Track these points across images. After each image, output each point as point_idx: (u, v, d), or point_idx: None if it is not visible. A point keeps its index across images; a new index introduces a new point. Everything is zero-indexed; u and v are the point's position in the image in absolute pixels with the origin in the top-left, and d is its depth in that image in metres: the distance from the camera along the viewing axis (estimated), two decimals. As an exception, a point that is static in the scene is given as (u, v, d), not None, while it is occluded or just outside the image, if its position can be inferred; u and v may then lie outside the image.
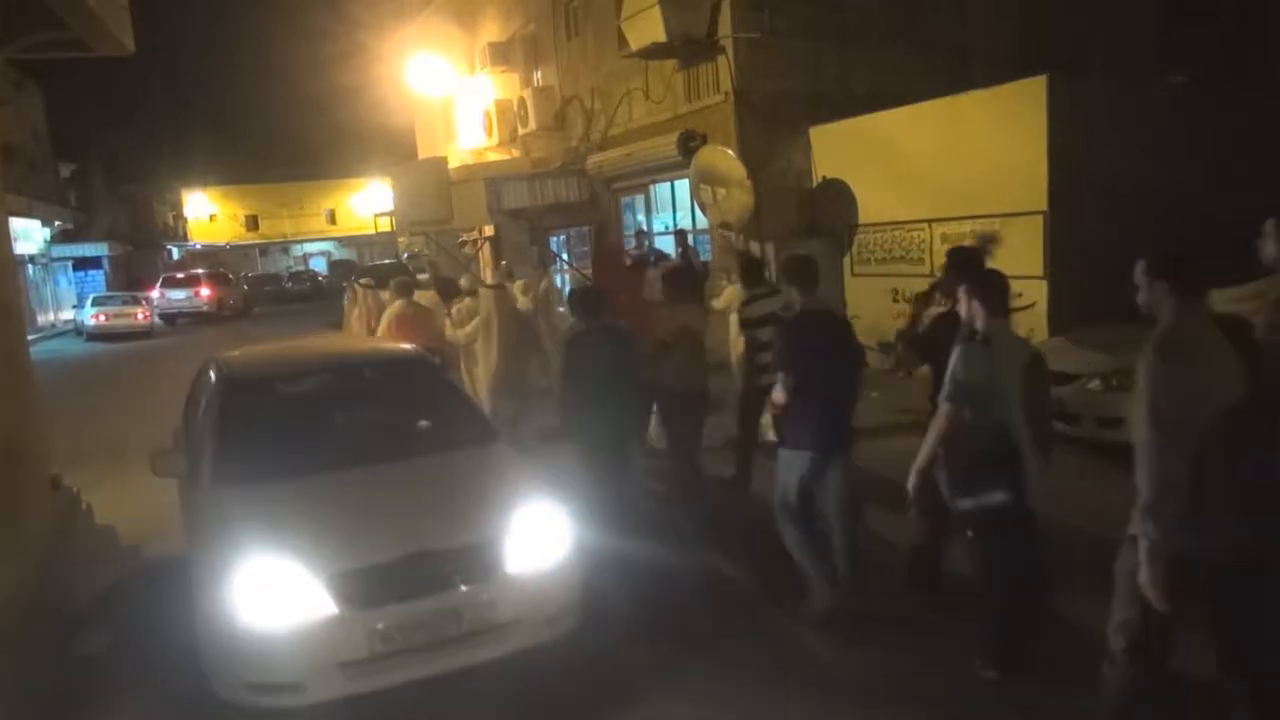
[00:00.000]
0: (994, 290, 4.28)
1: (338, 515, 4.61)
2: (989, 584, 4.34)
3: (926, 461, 4.35)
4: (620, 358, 5.97)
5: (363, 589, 4.20)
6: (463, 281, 9.45)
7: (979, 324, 4.21)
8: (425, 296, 9.82)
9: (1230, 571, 3.15)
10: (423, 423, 5.87)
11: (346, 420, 5.97)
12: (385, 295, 10.65)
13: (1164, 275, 3.26)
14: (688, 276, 7.30)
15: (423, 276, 15.59)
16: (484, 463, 5.29)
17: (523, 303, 9.99)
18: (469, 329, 8.72)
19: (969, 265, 4.86)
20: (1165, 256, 3.29)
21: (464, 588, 4.34)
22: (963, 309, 4.34)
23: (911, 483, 4.41)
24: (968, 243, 7.50)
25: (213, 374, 6.05)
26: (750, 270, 7.44)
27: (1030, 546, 4.20)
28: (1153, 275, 3.28)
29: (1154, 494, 3.08)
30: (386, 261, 30.42)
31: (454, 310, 9.12)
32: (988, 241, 6.42)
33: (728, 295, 8.80)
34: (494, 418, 7.22)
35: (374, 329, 10.11)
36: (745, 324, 7.21)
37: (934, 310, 5.35)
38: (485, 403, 8.17)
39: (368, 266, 30.01)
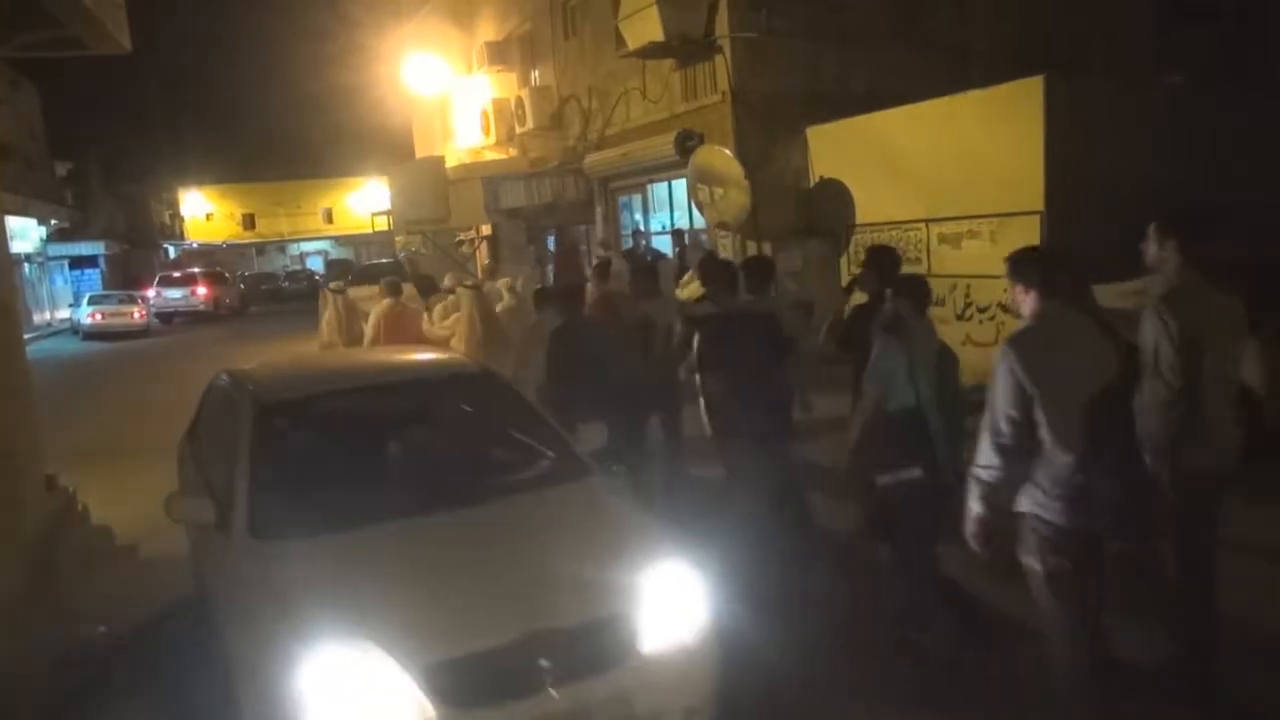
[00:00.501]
0: (917, 291, 4.78)
1: (423, 581, 3.59)
2: (907, 554, 4.69)
3: (856, 443, 4.67)
4: (597, 349, 6.41)
5: (469, 683, 3.24)
6: (446, 280, 9.44)
7: (904, 319, 4.66)
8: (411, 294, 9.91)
9: (1099, 539, 3.49)
10: (502, 452, 4.96)
11: (409, 451, 4.99)
12: (355, 296, 11.14)
13: (1031, 286, 3.57)
14: (652, 273, 7.54)
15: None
16: (589, 506, 4.28)
17: (508, 300, 10.04)
18: (447, 324, 8.80)
19: (893, 266, 5.43)
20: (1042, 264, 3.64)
21: (596, 677, 3.40)
22: (889, 305, 4.81)
23: (847, 466, 4.80)
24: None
25: (235, 394, 5.02)
26: (707, 270, 7.48)
27: (941, 519, 4.45)
28: (1019, 280, 3.62)
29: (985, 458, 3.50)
30: (384, 260, 30.39)
31: (437, 308, 9.20)
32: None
33: (692, 288, 9.01)
34: None
35: (346, 332, 10.31)
36: (684, 319, 7.22)
37: (855, 302, 5.79)
38: None
39: (364, 266, 29.99)
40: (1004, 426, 3.37)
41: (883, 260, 5.59)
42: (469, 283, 8.90)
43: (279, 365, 6.57)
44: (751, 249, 12.75)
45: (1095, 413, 3.30)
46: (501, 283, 10.63)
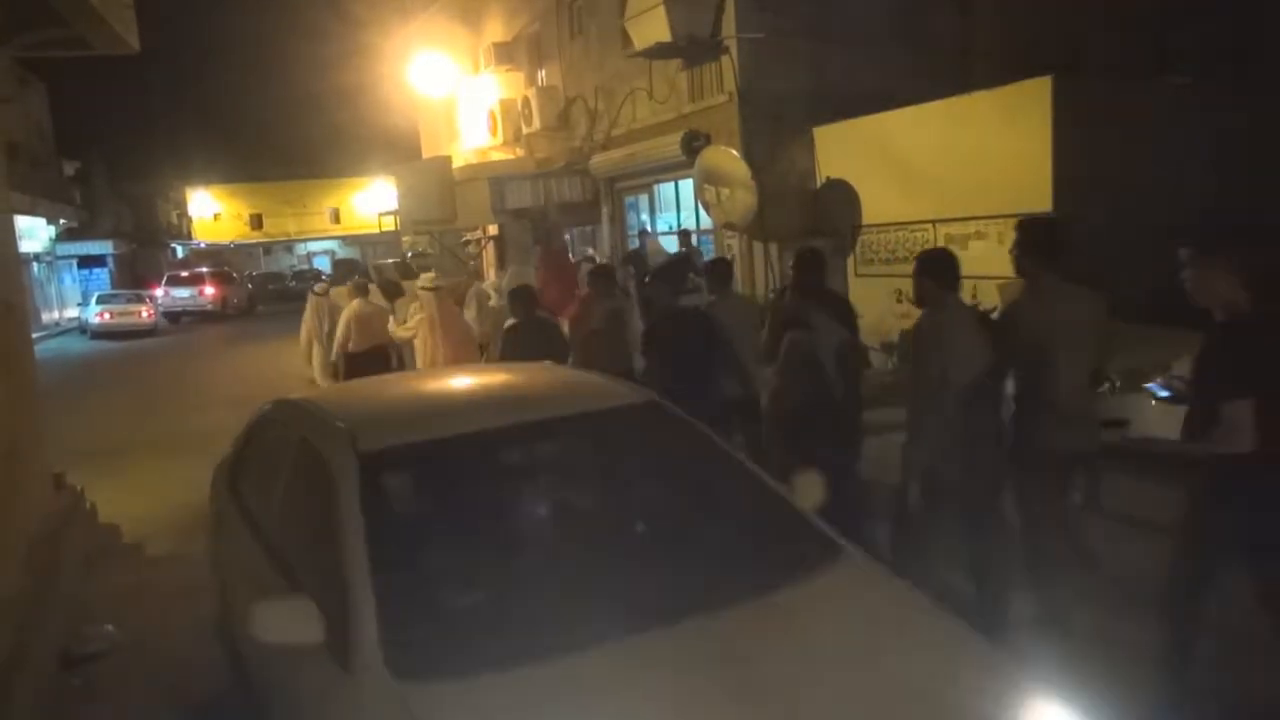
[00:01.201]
0: (820, 286, 5.79)
1: None
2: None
3: (772, 422, 5.44)
4: (545, 345, 6.78)
5: None
6: (421, 281, 9.67)
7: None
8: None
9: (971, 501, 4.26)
10: (715, 524, 3.48)
11: (589, 524, 3.70)
12: (336, 294, 11.47)
13: (931, 277, 4.36)
14: (606, 273, 8.16)
15: (427, 275, 15.65)
16: (880, 609, 2.88)
17: (495, 301, 10.12)
18: (411, 324, 8.97)
19: (818, 268, 6.09)
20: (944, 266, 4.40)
21: None
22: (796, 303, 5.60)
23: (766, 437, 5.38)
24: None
25: (312, 435, 3.59)
26: (672, 271, 8.66)
27: (855, 498, 5.00)
28: (929, 278, 4.37)
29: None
30: (390, 261, 30.43)
31: (411, 310, 9.41)
32: None
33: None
34: None
35: (328, 335, 10.64)
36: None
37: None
38: None
39: (370, 265, 30.06)
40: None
41: (814, 264, 6.20)
42: (431, 285, 9.04)
43: (357, 391, 4.86)
44: (758, 249, 12.74)
45: (969, 394, 3.94)
46: (489, 284, 10.77)
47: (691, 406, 4.80)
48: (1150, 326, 7.90)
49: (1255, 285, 3.50)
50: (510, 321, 7.31)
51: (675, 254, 13.04)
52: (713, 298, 6.75)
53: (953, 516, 4.32)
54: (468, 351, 8.85)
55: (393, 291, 9.73)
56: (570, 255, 14.27)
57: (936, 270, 4.35)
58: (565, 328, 7.89)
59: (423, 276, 9.59)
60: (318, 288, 12.10)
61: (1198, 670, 3.64)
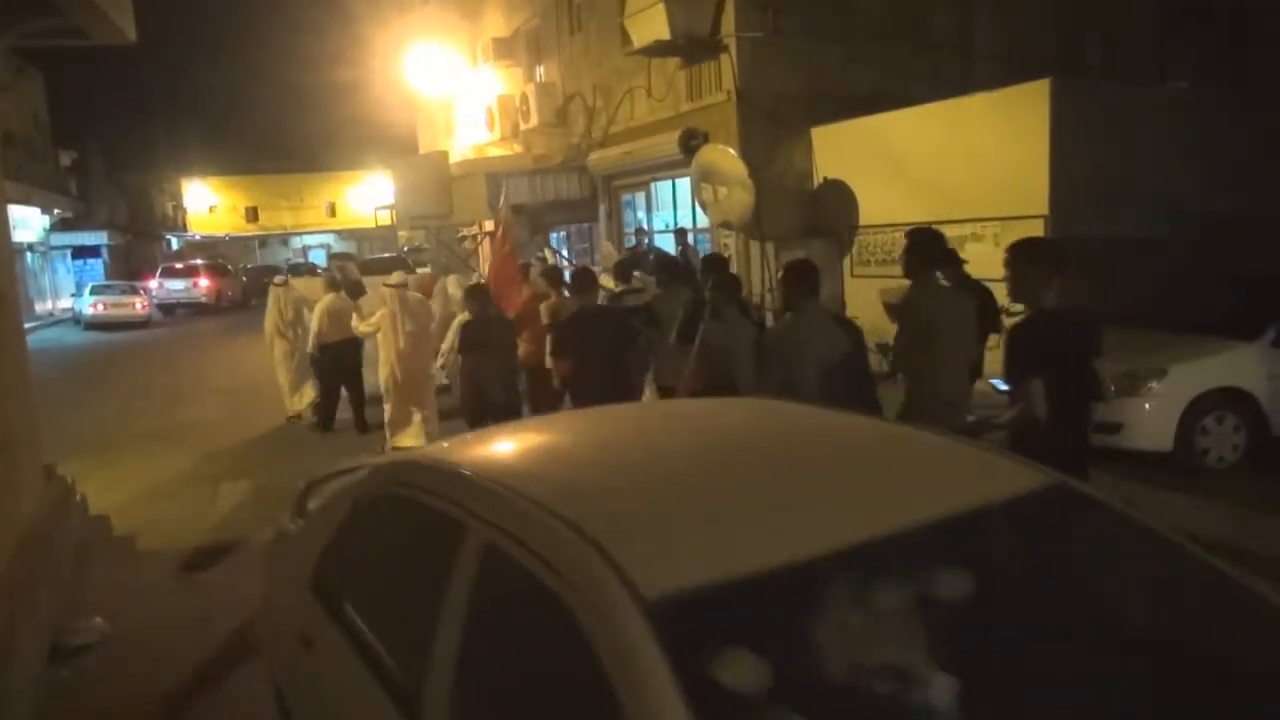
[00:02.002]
0: (733, 285, 6.26)
1: None
2: None
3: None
4: (496, 338, 7.50)
5: None
6: (391, 279, 9.80)
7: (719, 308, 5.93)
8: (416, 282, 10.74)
9: None
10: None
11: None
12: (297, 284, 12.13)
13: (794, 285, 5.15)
14: (558, 274, 8.76)
15: (423, 270, 15.69)
16: None
17: (455, 294, 10.39)
18: (374, 320, 9.25)
19: (720, 267, 6.94)
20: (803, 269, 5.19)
21: None
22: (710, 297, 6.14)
23: None
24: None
25: (521, 559, 2.11)
26: (620, 270, 9.69)
27: None
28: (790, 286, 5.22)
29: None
30: (386, 255, 30.37)
31: (379, 306, 9.62)
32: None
33: (607, 285, 10.33)
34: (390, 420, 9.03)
35: (290, 326, 11.12)
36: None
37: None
38: (385, 398, 9.23)
39: (366, 260, 30.01)
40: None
41: (717, 264, 7.30)
42: (393, 283, 9.36)
43: (541, 450, 2.98)
44: (755, 249, 12.74)
45: (829, 378, 4.70)
46: (450, 279, 11.51)
47: (601, 393, 5.57)
48: (1147, 331, 7.92)
49: (1063, 289, 4.25)
50: (464, 317, 7.86)
51: (624, 255, 13.40)
52: (659, 291, 7.42)
53: None
54: (424, 348, 9.34)
55: (355, 290, 10.06)
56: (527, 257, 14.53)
57: (798, 279, 5.15)
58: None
59: (395, 275, 9.88)
60: (277, 279, 12.25)
61: None
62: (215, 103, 68.78)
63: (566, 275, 9.09)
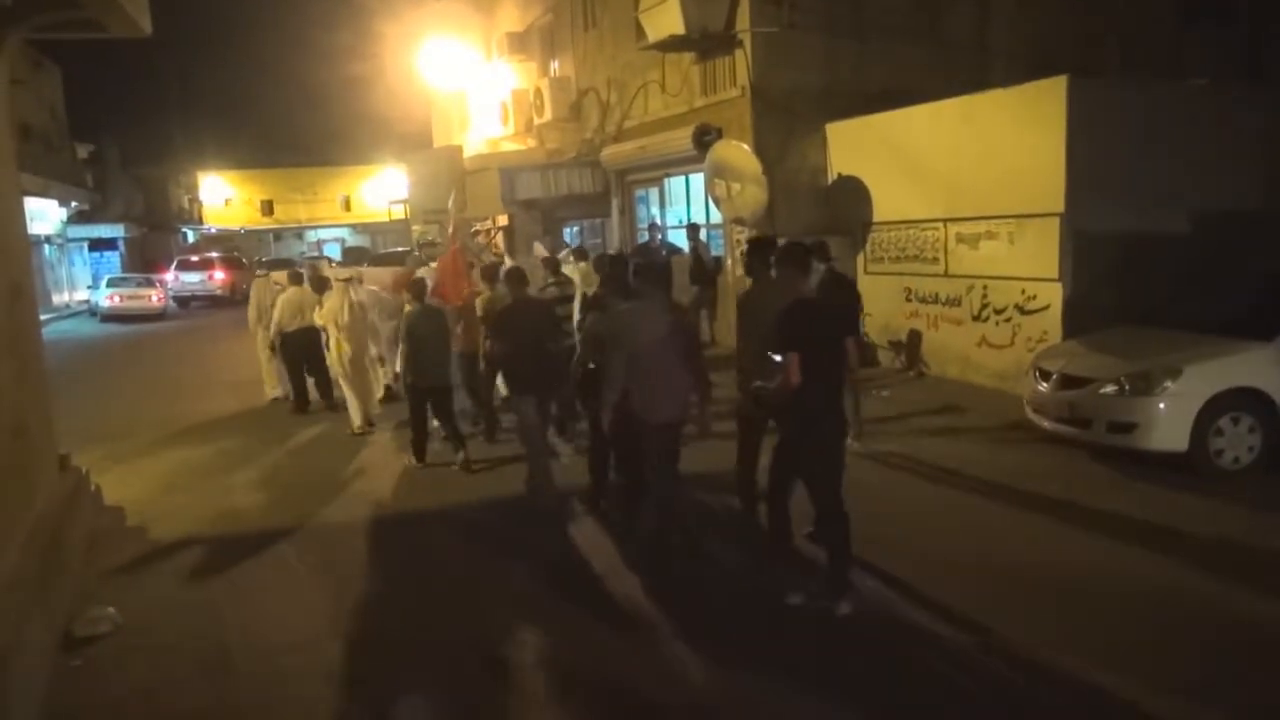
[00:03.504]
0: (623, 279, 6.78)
1: None
2: (604, 472, 6.97)
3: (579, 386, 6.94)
4: (433, 326, 8.51)
5: None
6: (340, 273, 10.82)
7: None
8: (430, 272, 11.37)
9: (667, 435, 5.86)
10: None
11: None
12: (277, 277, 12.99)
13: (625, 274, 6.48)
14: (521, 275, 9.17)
15: (429, 267, 15.73)
16: None
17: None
18: (325, 310, 10.24)
19: (614, 263, 7.50)
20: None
21: None
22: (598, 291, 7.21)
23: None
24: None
25: None
26: (548, 264, 10.24)
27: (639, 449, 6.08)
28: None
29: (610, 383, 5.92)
30: (400, 249, 30.44)
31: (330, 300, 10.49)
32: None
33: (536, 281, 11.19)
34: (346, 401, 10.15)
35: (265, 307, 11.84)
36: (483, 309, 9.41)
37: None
38: (343, 385, 10.27)
39: (379, 254, 30.10)
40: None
41: (615, 260, 7.97)
42: (343, 276, 10.42)
43: None
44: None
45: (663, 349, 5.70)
46: (426, 270, 12.12)
47: (529, 374, 7.02)
48: (1162, 331, 7.86)
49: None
50: (406, 308, 8.77)
51: (553, 254, 13.75)
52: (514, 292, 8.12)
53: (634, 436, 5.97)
54: (361, 339, 10.33)
55: (319, 285, 10.85)
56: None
57: (637, 274, 6.39)
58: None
59: (345, 270, 11.21)
60: (258, 272, 13.17)
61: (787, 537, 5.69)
62: (230, 96, 69.14)
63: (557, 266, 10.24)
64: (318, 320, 10.44)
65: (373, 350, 11.08)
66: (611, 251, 10.89)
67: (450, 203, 13.28)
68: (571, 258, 11.63)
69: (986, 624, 4.82)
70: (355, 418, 10.09)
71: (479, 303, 9.32)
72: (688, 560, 5.86)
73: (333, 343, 10.14)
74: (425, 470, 8.51)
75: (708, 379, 6.17)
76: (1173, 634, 4.66)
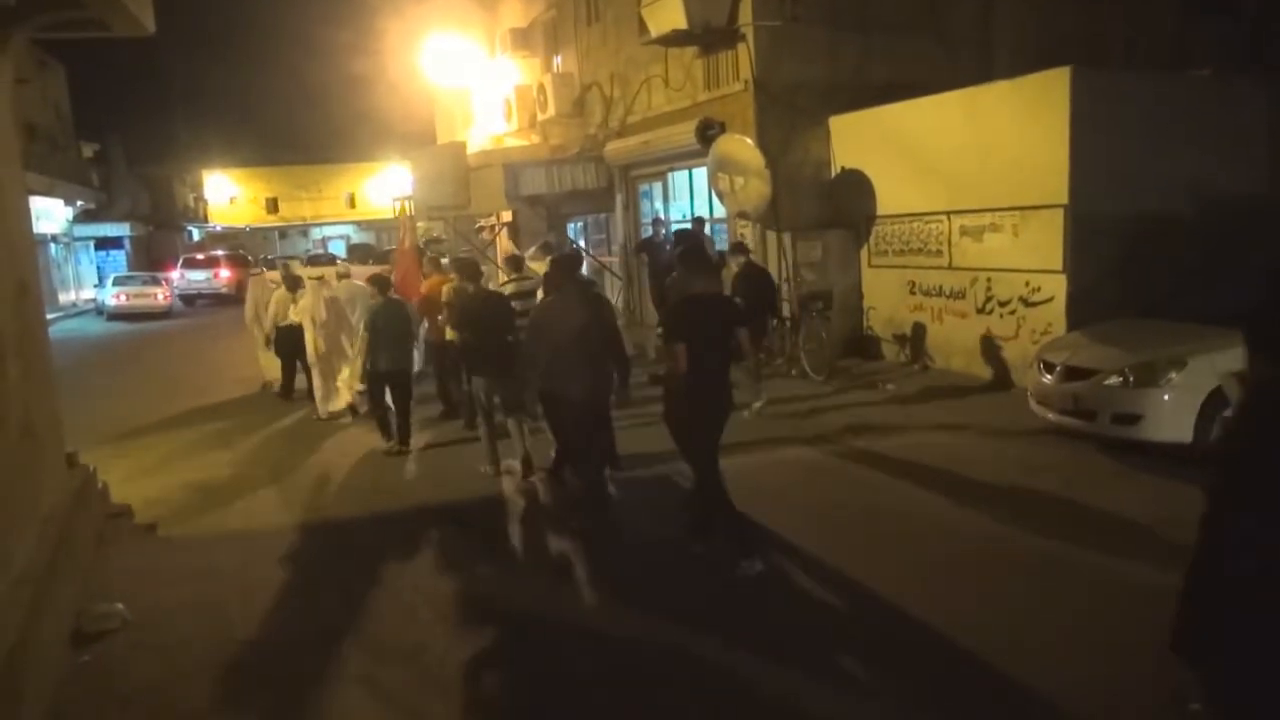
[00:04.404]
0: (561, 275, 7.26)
1: None
2: (561, 447, 7.45)
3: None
4: (398, 318, 9.16)
5: None
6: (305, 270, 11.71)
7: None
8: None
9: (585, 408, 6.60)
10: None
11: None
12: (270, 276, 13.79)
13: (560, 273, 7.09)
14: (475, 267, 9.53)
15: (444, 261, 15.75)
16: None
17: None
18: (300, 307, 11.13)
19: (556, 262, 7.69)
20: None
21: None
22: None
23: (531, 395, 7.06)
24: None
25: None
26: (511, 262, 10.79)
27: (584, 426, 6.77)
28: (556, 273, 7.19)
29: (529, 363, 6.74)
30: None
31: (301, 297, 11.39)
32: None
33: (499, 277, 12.19)
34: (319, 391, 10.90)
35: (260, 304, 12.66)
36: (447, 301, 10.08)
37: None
38: (314, 374, 11.05)
39: (384, 251, 30.13)
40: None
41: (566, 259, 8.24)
42: (315, 275, 11.46)
43: None
44: (771, 239, 12.71)
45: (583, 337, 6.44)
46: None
47: (481, 360, 7.83)
48: (1166, 322, 7.85)
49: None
50: (371, 302, 9.39)
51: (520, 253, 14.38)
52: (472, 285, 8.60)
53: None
54: (334, 334, 10.91)
55: (292, 284, 11.76)
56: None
57: (562, 269, 7.12)
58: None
59: (317, 270, 11.95)
60: (253, 271, 13.71)
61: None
62: (234, 94, 69.29)
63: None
64: (293, 316, 11.36)
65: (347, 350, 11.59)
66: (567, 252, 11.52)
67: (400, 204, 14.46)
68: (540, 255, 12.49)
69: (986, 624, 4.83)
70: (320, 405, 10.95)
71: (445, 290, 9.99)
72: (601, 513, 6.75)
73: (308, 337, 10.92)
74: (418, 459, 8.97)
75: (626, 361, 7.04)
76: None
